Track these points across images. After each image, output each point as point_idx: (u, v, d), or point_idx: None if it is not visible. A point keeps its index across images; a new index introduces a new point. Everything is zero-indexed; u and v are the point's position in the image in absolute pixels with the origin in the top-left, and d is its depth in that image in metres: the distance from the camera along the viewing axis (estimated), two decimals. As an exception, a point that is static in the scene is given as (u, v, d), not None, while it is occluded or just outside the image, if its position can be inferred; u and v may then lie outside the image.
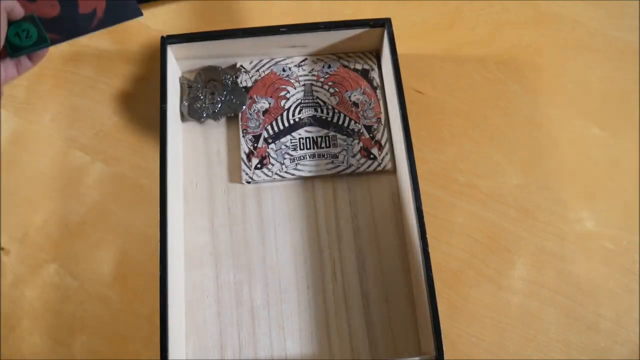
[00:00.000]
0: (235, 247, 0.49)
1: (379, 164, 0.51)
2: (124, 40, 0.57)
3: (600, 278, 0.48)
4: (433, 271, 0.42)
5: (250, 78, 0.54)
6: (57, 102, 0.55)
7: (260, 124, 0.52)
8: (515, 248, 0.49)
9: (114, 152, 0.53)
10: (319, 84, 0.54)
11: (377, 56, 0.55)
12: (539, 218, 0.50)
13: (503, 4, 0.59)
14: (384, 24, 0.50)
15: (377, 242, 0.49)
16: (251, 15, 0.58)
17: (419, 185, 0.44)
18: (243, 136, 0.51)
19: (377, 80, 0.54)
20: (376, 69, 0.54)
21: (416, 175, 0.44)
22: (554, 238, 0.50)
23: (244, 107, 0.52)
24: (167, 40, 0.48)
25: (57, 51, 0.57)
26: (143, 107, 0.54)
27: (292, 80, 0.54)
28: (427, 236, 0.42)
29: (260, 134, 0.52)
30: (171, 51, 0.50)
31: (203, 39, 0.49)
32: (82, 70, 0.56)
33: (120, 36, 0.57)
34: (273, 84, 0.54)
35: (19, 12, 0.38)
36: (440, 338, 0.40)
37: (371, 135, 0.52)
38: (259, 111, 0.53)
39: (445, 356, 0.40)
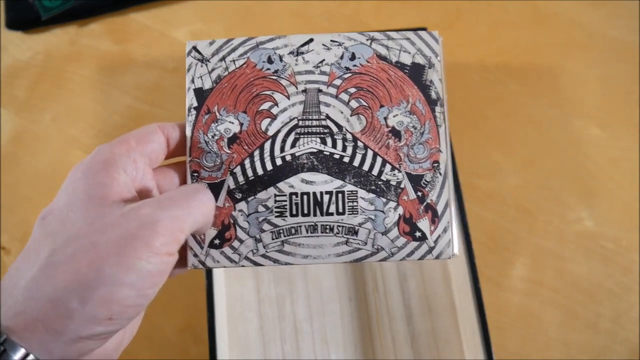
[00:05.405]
0: None
1: (430, 250, 0.30)
2: (124, 40, 0.57)
3: (600, 278, 0.48)
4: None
5: (210, 73, 0.31)
6: (57, 102, 0.55)
7: (222, 162, 0.30)
8: (515, 248, 0.49)
9: (114, 152, 0.53)
10: (332, 91, 0.31)
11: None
12: (539, 218, 0.50)
13: (503, 4, 0.59)
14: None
15: None
16: (251, 13, 0.58)
17: (463, 201, 0.42)
18: (194, 182, 0.30)
19: (438, 87, 0.31)
20: (438, 64, 0.31)
21: (462, 197, 0.42)
22: (553, 238, 0.50)
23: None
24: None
25: (57, 51, 0.57)
26: (143, 107, 0.54)
27: (284, 81, 0.31)
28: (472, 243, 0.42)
29: (223, 182, 0.30)
30: None
31: None
32: (82, 70, 0.56)
33: (120, 36, 0.57)
34: (249, 86, 0.31)
35: None
36: (491, 349, 0.39)
37: (420, 193, 0.30)
38: (221, 137, 0.31)
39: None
